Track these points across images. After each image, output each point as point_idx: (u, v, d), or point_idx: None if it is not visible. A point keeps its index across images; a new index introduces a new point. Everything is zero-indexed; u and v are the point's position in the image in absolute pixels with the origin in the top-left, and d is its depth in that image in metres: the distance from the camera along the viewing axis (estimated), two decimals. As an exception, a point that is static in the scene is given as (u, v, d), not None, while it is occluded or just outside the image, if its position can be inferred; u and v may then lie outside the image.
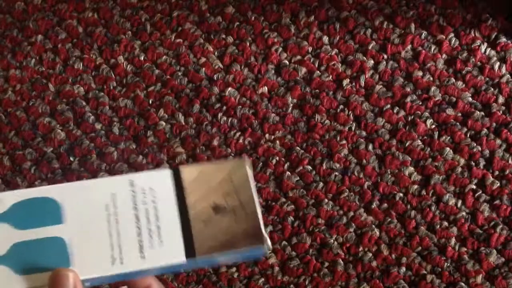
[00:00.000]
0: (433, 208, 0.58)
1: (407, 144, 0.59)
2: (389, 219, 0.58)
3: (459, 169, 0.59)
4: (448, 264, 0.57)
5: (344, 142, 0.59)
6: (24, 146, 0.61)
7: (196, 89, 0.61)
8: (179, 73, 0.61)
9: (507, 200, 0.58)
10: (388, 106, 0.60)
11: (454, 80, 0.60)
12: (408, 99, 0.60)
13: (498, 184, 0.58)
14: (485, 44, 0.61)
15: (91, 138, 0.60)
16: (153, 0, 0.63)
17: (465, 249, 0.57)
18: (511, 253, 0.57)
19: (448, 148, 0.59)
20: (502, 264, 0.57)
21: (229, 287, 0.57)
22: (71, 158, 0.60)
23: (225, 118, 0.60)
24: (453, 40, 0.61)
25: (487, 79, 0.60)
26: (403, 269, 0.57)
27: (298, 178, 0.59)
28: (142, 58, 0.62)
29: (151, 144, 0.60)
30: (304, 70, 0.61)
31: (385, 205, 0.58)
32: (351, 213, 0.58)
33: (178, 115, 0.60)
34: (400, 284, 0.57)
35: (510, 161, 0.58)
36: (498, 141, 0.59)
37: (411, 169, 0.59)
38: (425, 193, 0.58)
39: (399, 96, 0.60)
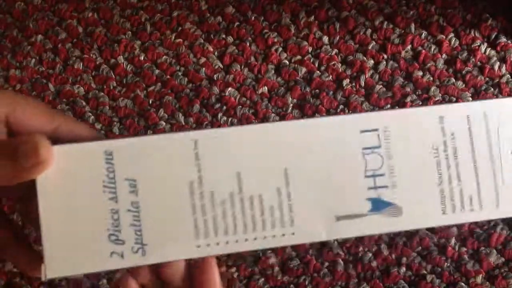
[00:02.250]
0: (433, 208, 0.58)
1: (407, 144, 0.59)
2: (389, 219, 0.58)
3: (459, 169, 0.59)
4: (448, 264, 0.57)
5: (344, 142, 0.59)
6: (24, 146, 0.61)
7: (196, 89, 0.61)
8: (179, 73, 0.61)
9: (507, 200, 0.58)
10: (388, 106, 0.60)
11: (454, 80, 0.60)
12: (408, 99, 0.60)
13: (498, 184, 0.58)
14: (485, 44, 0.61)
15: (91, 138, 0.60)
16: (153, 0, 0.63)
17: (465, 249, 0.57)
18: (511, 253, 0.57)
19: (448, 148, 0.59)
20: (502, 264, 0.57)
21: (229, 287, 0.57)
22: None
23: (225, 118, 0.60)
24: (453, 40, 0.61)
25: (487, 79, 0.60)
26: (403, 269, 0.57)
27: (298, 178, 0.59)
28: (142, 58, 0.62)
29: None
30: (304, 70, 0.61)
31: (385, 205, 0.58)
32: (351, 213, 0.58)
33: (178, 115, 0.60)
34: (400, 284, 0.57)
35: (510, 161, 0.58)
36: (498, 141, 0.59)
37: (411, 169, 0.59)
38: (425, 193, 0.58)
39: (399, 96, 0.60)
